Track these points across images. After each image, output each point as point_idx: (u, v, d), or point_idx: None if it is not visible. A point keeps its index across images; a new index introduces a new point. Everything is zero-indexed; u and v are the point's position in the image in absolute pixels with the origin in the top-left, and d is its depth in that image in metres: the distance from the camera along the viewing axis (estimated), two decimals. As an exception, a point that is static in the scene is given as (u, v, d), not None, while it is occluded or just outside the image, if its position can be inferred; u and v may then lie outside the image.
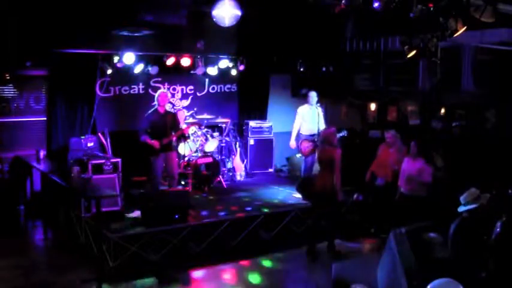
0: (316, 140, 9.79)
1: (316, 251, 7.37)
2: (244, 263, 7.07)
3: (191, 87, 10.89)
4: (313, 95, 9.73)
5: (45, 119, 9.44)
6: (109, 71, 9.32)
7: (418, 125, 10.02)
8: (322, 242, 7.49)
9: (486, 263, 4.56)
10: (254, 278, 6.71)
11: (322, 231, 7.50)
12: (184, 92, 10.83)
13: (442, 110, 9.54)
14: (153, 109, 8.48)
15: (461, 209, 5.10)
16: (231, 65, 10.52)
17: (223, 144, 10.56)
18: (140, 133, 8.29)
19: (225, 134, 10.85)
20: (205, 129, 9.99)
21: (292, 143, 9.94)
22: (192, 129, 9.82)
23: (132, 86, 10.12)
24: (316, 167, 9.92)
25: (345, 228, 8.08)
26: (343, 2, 6.75)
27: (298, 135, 9.90)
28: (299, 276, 6.88)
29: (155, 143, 8.17)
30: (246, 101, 11.59)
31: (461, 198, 5.14)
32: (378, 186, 8.54)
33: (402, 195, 7.86)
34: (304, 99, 10.04)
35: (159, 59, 9.70)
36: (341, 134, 9.53)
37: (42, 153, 8.82)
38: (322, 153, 7.49)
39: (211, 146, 9.96)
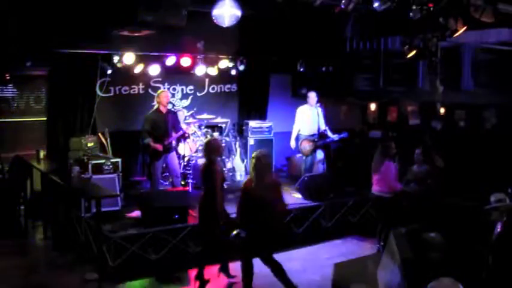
0: (316, 140, 9.80)
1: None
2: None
3: (191, 87, 10.89)
4: (312, 96, 9.73)
5: (45, 119, 9.44)
6: (109, 71, 9.31)
7: (418, 125, 10.02)
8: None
9: (486, 263, 4.56)
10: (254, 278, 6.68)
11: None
12: (184, 92, 10.84)
13: (442, 110, 9.54)
14: (153, 109, 8.46)
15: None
16: (231, 65, 10.50)
17: (223, 144, 10.55)
18: (142, 135, 8.27)
19: (225, 134, 10.84)
20: (205, 129, 9.98)
21: (292, 143, 9.94)
22: (192, 129, 9.82)
23: (132, 86, 10.12)
24: (317, 167, 10.01)
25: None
26: (343, 2, 6.74)
27: (298, 135, 9.91)
28: (298, 276, 6.87)
29: (159, 147, 8.16)
30: (246, 101, 11.59)
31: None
32: None
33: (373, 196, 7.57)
34: (304, 99, 10.04)
35: (159, 59, 9.70)
36: (341, 136, 9.56)
37: (42, 153, 8.81)
38: None
39: (211, 146, 9.93)
